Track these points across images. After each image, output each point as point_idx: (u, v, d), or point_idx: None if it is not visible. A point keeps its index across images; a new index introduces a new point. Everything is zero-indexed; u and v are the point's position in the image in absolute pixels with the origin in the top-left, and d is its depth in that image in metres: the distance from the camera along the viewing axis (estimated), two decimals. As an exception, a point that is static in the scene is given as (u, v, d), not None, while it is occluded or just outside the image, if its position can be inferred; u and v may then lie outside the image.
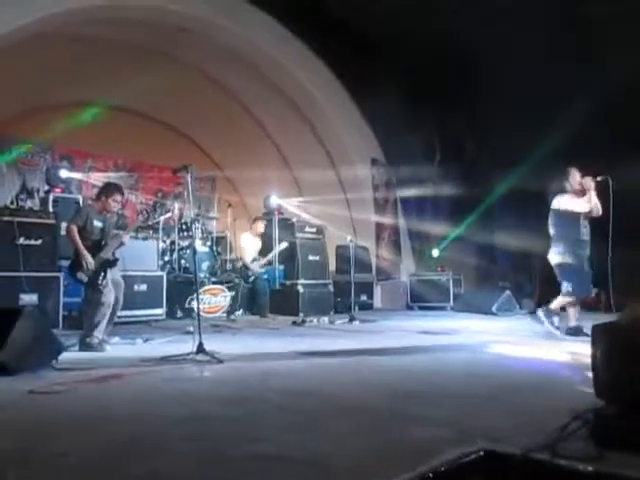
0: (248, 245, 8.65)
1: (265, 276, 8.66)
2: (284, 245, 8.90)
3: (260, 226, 8.81)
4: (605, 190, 5.71)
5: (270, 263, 8.85)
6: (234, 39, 9.39)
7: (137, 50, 9.20)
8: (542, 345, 5.25)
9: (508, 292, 9.52)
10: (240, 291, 8.45)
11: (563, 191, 5.86)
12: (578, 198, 5.77)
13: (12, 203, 8.62)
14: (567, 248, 5.77)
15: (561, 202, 5.83)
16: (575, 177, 5.81)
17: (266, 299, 8.60)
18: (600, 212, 5.69)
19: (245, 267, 8.48)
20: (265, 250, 8.96)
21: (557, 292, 5.93)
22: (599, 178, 5.72)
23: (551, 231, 5.93)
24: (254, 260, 8.53)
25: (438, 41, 9.58)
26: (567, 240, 5.78)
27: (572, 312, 5.78)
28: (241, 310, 8.99)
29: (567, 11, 8.81)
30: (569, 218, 5.77)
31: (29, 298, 6.13)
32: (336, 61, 10.54)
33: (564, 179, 5.86)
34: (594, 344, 2.44)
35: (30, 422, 2.63)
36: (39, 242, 6.47)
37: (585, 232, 5.77)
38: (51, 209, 7.33)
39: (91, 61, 8.73)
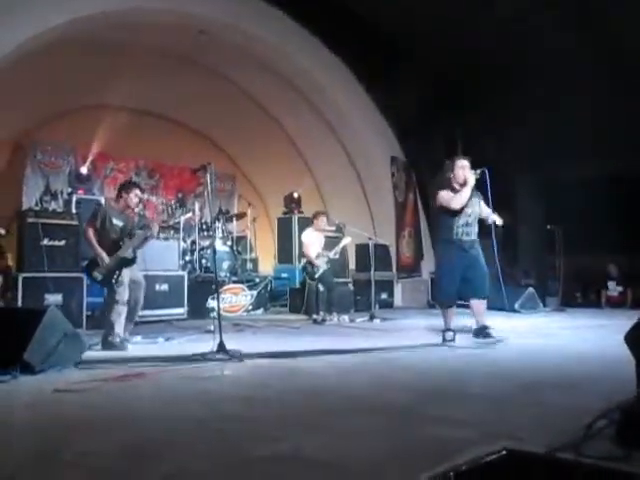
0: (311, 241, 8.14)
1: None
2: (348, 240, 8.61)
3: (322, 220, 8.30)
4: (483, 183, 5.04)
5: (334, 257, 8.29)
6: (250, 40, 9.41)
7: (162, 54, 9.28)
8: (566, 342, 5.16)
9: (531, 289, 9.37)
10: (307, 290, 8.05)
11: (444, 185, 5.10)
12: (455, 194, 5.00)
13: (36, 205, 8.76)
14: (439, 249, 5.33)
15: (438, 198, 5.09)
16: (464, 169, 5.02)
17: (332, 295, 8.05)
18: (493, 219, 5.15)
19: (310, 263, 8.04)
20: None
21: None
22: (478, 171, 5.03)
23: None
24: (318, 256, 8.05)
25: (458, 41, 9.48)
26: (440, 241, 5.24)
27: (447, 316, 5.16)
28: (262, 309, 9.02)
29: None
30: (445, 216, 5.06)
31: (54, 298, 6.23)
32: (355, 59, 10.48)
33: (448, 170, 5.10)
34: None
35: (54, 421, 2.67)
36: (63, 243, 6.58)
37: (461, 232, 5.00)
38: (74, 210, 7.45)
39: (115, 65, 8.80)
